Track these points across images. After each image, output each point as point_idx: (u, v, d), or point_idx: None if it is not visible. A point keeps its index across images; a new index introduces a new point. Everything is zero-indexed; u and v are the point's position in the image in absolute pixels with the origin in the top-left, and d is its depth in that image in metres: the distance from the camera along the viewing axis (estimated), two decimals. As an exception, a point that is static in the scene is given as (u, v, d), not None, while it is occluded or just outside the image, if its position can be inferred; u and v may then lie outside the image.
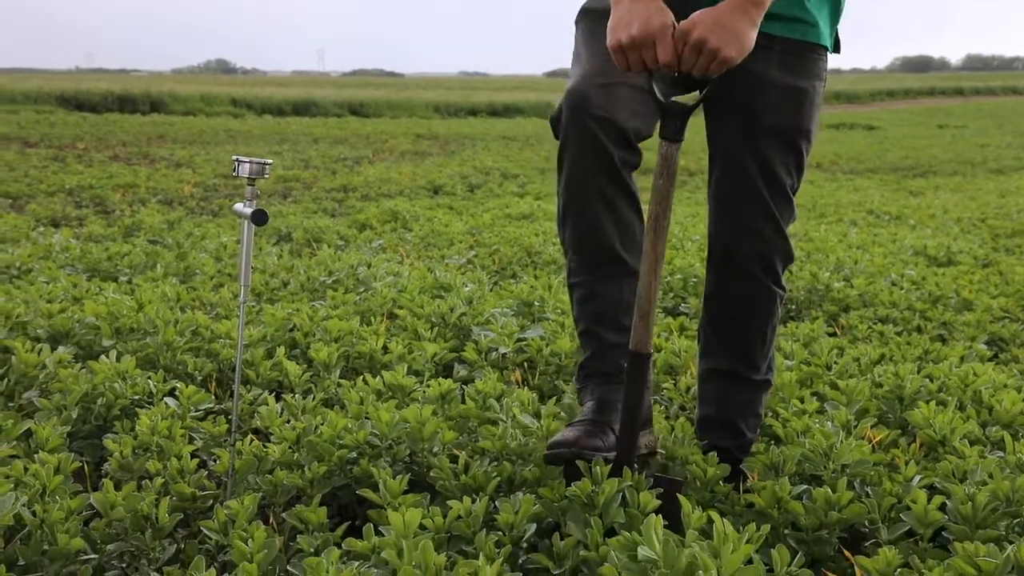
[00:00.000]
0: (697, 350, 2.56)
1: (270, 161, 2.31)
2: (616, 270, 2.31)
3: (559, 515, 2.11)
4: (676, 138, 2.08)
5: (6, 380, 3.09)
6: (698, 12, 2.00)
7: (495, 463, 2.43)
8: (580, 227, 2.30)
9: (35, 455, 2.35)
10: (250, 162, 2.27)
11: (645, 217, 2.19)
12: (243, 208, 2.30)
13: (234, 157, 2.29)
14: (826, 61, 2.31)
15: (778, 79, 2.21)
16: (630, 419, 2.15)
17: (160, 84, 34.87)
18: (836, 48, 2.38)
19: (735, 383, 2.43)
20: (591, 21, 2.29)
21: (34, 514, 2.01)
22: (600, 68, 2.17)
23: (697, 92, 2.20)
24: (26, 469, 2.21)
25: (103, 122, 20.95)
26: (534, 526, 2.07)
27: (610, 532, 2.01)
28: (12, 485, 2.11)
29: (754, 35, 2.01)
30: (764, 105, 2.21)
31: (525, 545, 2.05)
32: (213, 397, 3.01)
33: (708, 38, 1.95)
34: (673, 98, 2.09)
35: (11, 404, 2.99)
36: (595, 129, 2.16)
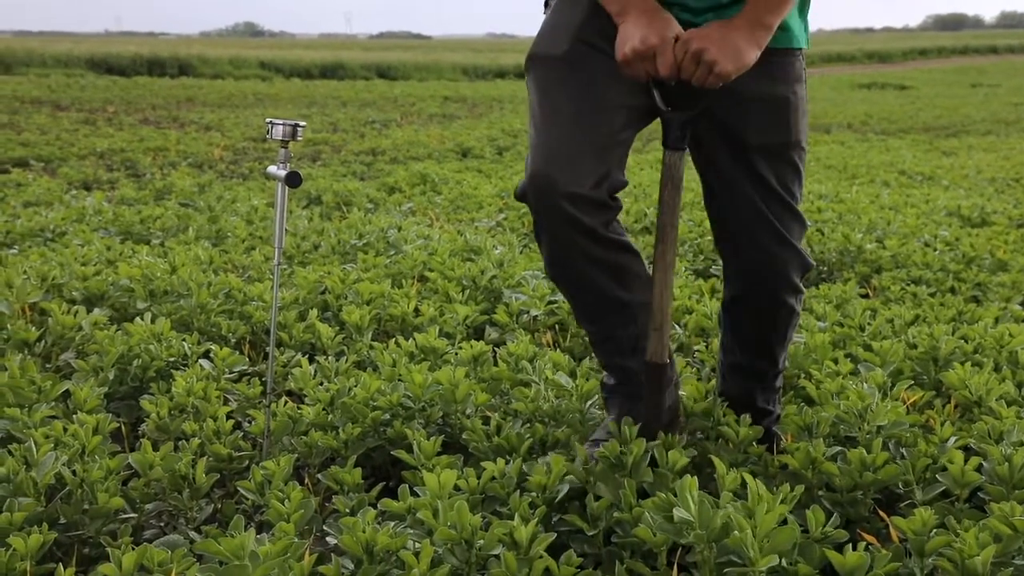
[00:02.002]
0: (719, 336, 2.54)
1: (303, 123, 2.30)
2: (626, 315, 2.25)
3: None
4: (678, 146, 2.09)
5: (43, 342, 3.13)
6: (706, 24, 2.03)
7: (527, 425, 2.44)
8: (578, 293, 2.25)
9: (74, 416, 2.39)
10: (283, 124, 2.27)
11: (645, 249, 2.13)
12: (277, 171, 2.30)
13: (268, 120, 2.29)
14: (803, 61, 2.24)
15: (757, 92, 2.12)
16: (651, 430, 2.21)
17: (188, 47, 34.88)
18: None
19: (755, 375, 2.45)
20: (541, 70, 2.17)
21: (74, 473, 2.05)
22: (559, 137, 2.07)
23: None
24: (65, 429, 2.24)
25: (132, 85, 21.02)
26: (567, 487, 2.08)
27: (639, 492, 2.02)
28: (52, 445, 2.14)
29: (755, 56, 2.01)
30: (748, 124, 2.14)
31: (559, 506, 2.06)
32: (247, 359, 3.03)
33: (708, 48, 1.96)
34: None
35: (49, 365, 3.03)
36: (568, 208, 2.05)
